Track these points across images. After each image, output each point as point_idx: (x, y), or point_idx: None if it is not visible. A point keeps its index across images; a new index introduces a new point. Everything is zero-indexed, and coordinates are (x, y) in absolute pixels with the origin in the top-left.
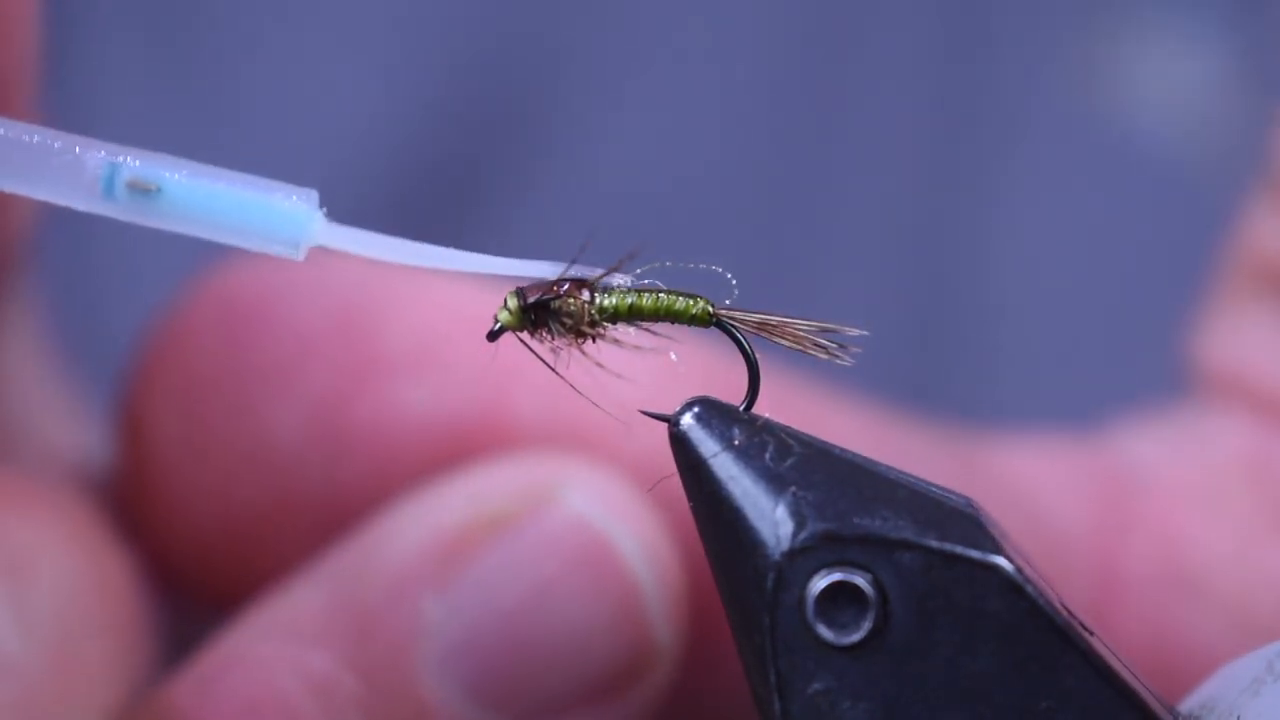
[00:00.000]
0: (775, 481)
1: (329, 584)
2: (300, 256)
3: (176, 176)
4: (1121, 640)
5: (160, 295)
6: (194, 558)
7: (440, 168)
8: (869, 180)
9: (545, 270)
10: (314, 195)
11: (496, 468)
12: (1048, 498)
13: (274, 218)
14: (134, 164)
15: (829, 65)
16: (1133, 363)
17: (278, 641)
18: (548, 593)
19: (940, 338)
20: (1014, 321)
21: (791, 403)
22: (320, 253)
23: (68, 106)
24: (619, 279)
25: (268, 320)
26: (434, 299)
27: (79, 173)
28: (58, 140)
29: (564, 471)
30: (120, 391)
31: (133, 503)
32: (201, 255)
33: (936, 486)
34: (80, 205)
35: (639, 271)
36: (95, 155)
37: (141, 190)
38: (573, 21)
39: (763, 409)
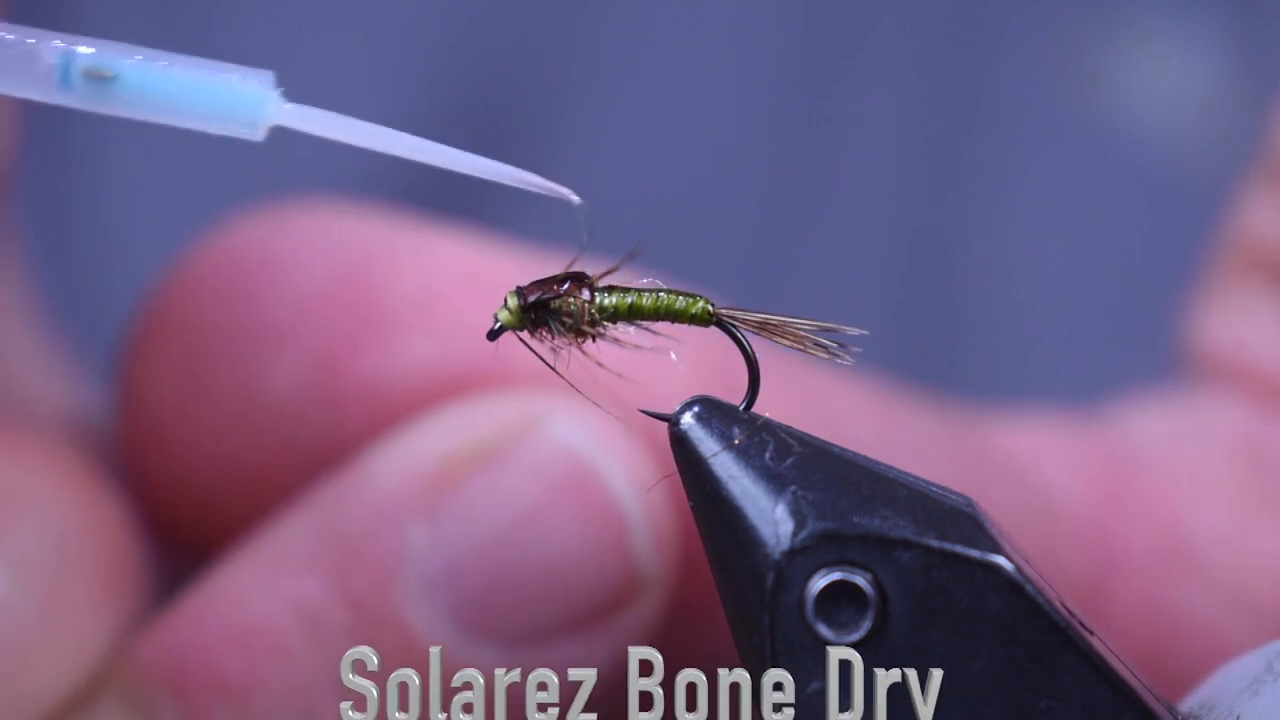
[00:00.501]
0: (775, 481)
1: (316, 515)
2: (259, 136)
3: (132, 62)
4: (1119, 617)
5: (161, 251)
6: (191, 508)
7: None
8: (873, 171)
9: (510, 176)
10: (269, 76)
11: (483, 401)
12: (1048, 475)
13: (231, 99)
14: (89, 52)
15: (829, 63)
16: (1132, 346)
17: (266, 571)
18: (532, 521)
19: (943, 320)
20: (1017, 304)
21: (793, 381)
22: (280, 133)
23: None
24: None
25: (270, 277)
26: (434, 257)
27: (34, 63)
28: (11, 33)
29: (549, 403)
30: (122, 344)
31: (130, 453)
32: (205, 212)
33: (936, 486)
34: (37, 96)
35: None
36: (50, 45)
37: (98, 78)
38: (573, 23)
39: (765, 390)
